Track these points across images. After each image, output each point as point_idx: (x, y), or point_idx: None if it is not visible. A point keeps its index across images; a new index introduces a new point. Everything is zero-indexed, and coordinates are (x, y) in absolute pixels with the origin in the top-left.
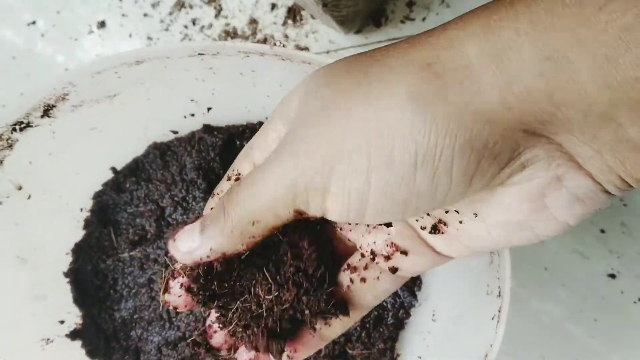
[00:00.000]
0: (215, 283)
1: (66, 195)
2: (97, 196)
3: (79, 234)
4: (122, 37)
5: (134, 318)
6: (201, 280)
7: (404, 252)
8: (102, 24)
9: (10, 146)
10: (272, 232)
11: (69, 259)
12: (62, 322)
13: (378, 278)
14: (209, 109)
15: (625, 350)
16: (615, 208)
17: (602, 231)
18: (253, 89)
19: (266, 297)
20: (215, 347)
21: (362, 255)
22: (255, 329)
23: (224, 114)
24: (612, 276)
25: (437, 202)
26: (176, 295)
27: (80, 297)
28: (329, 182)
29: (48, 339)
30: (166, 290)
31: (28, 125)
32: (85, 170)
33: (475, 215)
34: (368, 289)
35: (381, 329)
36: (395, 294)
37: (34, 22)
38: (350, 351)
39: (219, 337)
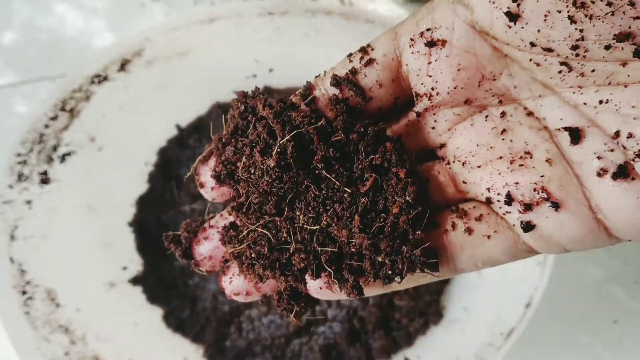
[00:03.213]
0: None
1: (133, 149)
2: (162, 152)
3: (143, 186)
4: (187, 5)
5: None
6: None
7: (556, 205)
8: None
9: (87, 98)
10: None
11: (133, 210)
12: (125, 268)
13: (490, 237)
14: (270, 70)
15: None
16: None
17: None
18: (315, 50)
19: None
20: (194, 258)
21: (485, 203)
22: (277, 265)
23: (285, 76)
24: None
25: None
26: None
27: (143, 245)
28: None
29: (112, 283)
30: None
31: (105, 78)
32: (152, 126)
33: None
34: (469, 245)
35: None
36: None
37: None
38: (397, 302)
39: (204, 249)
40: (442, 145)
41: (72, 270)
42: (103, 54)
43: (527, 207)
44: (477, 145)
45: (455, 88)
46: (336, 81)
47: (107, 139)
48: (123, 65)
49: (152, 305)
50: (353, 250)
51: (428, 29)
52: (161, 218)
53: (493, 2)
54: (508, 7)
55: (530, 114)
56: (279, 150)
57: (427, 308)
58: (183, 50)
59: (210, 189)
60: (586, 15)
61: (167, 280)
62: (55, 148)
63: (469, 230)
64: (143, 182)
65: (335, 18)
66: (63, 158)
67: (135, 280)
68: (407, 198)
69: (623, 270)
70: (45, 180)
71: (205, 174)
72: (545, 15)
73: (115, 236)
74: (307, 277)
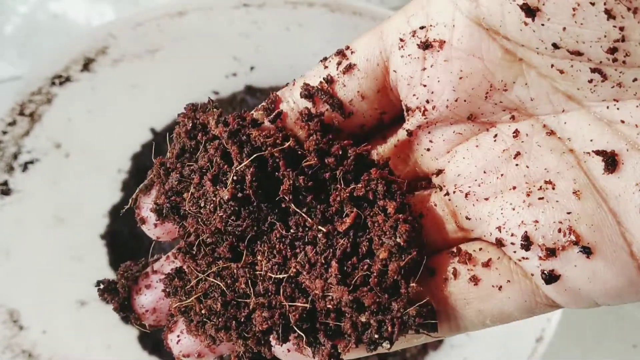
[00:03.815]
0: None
1: (104, 155)
2: (136, 157)
3: (116, 195)
4: None
5: None
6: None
7: (587, 250)
8: None
9: (49, 101)
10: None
11: (106, 221)
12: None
13: (501, 288)
14: (251, 68)
15: None
16: None
17: None
18: (299, 46)
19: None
20: (135, 310)
21: (495, 244)
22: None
23: (268, 74)
24: None
25: None
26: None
27: (116, 260)
28: None
29: (82, 302)
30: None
31: (67, 79)
32: (124, 130)
33: None
34: (476, 299)
35: None
36: None
37: None
38: None
39: (146, 300)
40: (440, 172)
41: (38, 289)
42: (62, 52)
43: (550, 252)
44: (484, 172)
45: (456, 100)
46: (308, 92)
47: (75, 145)
48: (86, 65)
49: (126, 325)
50: (330, 306)
51: (422, 27)
52: (136, 230)
53: None
54: None
55: (551, 133)
56: (235, 178)
57: None
58: (153, 47)
59: (153, 226)
60: (629, 9)
61: None
62: (15, 156)
63: (475, 280)
64: (116, 190)
65: (319, 10)
66: (25, 166)
67: None
68: (398, 240)
69: None
70: (5, 191)
71: (147, 208)
72: (574, 9)
73: (86, 250)
74: (271, 339)
